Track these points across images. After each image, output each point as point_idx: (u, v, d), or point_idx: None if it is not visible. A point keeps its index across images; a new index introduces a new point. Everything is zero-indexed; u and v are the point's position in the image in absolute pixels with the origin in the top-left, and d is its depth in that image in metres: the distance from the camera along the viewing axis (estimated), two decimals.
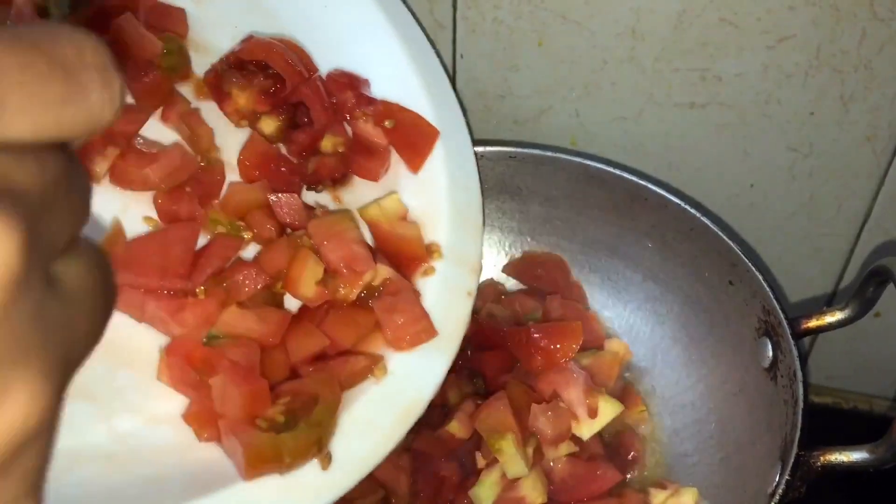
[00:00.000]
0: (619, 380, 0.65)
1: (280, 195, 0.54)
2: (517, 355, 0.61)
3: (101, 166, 0.51)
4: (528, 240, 0.71)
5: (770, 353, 0.59)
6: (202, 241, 0.52)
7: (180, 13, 0.55)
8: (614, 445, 0.62)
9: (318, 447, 0.47)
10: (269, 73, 0.55)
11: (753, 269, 0.59)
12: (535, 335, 0.60)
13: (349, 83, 0.57)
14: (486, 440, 0.57)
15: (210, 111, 0.56)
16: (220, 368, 0.48)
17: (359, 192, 0.58)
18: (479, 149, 0.66)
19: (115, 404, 0.48)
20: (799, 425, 0.53)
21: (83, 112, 0.20)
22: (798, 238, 0.70)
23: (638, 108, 0.65)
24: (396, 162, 0.59)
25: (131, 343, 0.49)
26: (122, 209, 0.51)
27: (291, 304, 0.54)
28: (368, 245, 0.55)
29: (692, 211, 0.63)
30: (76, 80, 0.20)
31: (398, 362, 0.52)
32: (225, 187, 0.55)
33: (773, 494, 0.52)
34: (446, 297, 0.55)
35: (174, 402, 0.49)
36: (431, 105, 0.58)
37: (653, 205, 0.65)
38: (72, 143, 0.21)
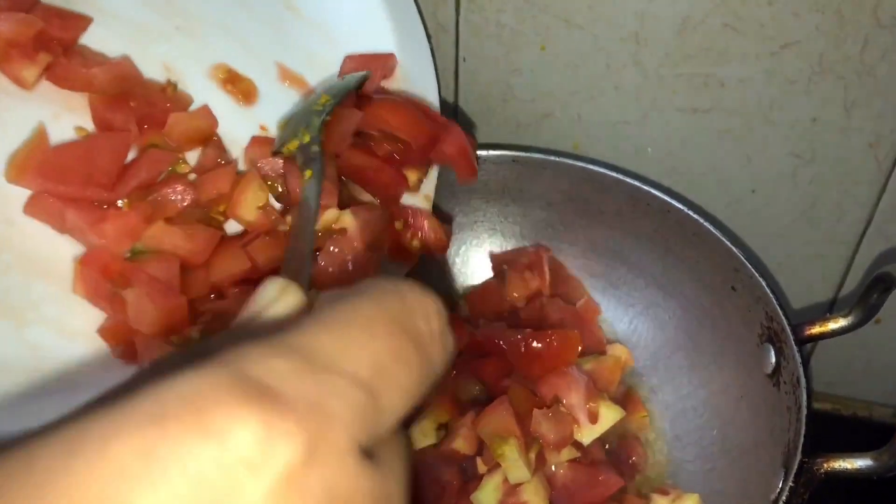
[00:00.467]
0: (621, 385, 0.65)
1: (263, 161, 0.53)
2: (516, 364, 0.61)
3: (30, 72, 0.48)
4: (530, 244, 0.71)
5: (773, 360, 0.58)
6: None
7: None
8: (616, 451, 0.62)
9: None
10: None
11: (756, 274, 0.59)
12: (535, 345, 0.59)
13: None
14: (488, 445, 0.56)
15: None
16: (136, 282, 0.46)
17: None
18: (482, 152, 0.66)
19: (28, 315, 0.46)
20: (802, 432, 0.53)
21: (429, 383, 0.22)
22: (800, 244, 0.70)
23: (641, 112, 0.65)
24: None
25: (49, 254, 0.47)
26: (53, 116, 0.49)
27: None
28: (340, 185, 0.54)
29: (695, 216, 0.63)
30: (428, 356, 0.22)
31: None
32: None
33: (776, 501, 0.52)
34: None
35: (91, 317, 0.47)
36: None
37: (655, 210, 0.64)
38: None
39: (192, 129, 0.53)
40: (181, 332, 0.46)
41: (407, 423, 0.58)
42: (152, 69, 0.53)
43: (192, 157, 0.54)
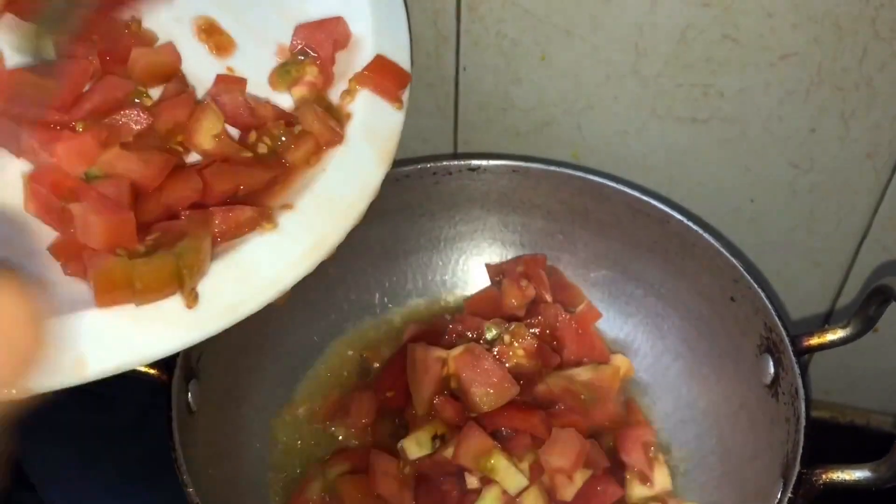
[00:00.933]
0: (621, 395, 0.65)
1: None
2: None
3: None
4: (530, 253, 0.71)
5: (771, 370, 0.59)
6: None
7: None
8: (615, 460, 0.62)
9: (179, 281, 0.45)
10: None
11: (755, 285, 0.59)
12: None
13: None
14: (476, 469, 0.57)
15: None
16: (85, 198, 0.47)
17: None
18: (482, 162, 0.66)
19: None
20: (801, 443, 0.53)
21: None
22: (797, 253, 0.70)
23: (640, 122, 0.65)
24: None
25: (2, 175, 0.48)
26: (15, 48, 0.50)
27: None
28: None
29: (694, 227, 0.63)
30: None
31: (290, 219, 0.51)
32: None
33: None
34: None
35: (43, 236, 0.48)
36: None
37: (655, 220, 0.65)
38: None
39: (154, 65, 0.53)
40: (128, 247, 0.46)
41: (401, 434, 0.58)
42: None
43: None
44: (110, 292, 0.44)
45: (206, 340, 0.47)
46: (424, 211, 0.70)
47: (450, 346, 0.62)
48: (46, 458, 0.69)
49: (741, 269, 0.61)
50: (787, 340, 0.57)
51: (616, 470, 0.61)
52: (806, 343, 0.58)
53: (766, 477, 0.56)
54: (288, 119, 0.54)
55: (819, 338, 0.58)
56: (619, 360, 0.65)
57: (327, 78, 0.56)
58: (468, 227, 0.71)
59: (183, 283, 0.46)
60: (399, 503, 0.57)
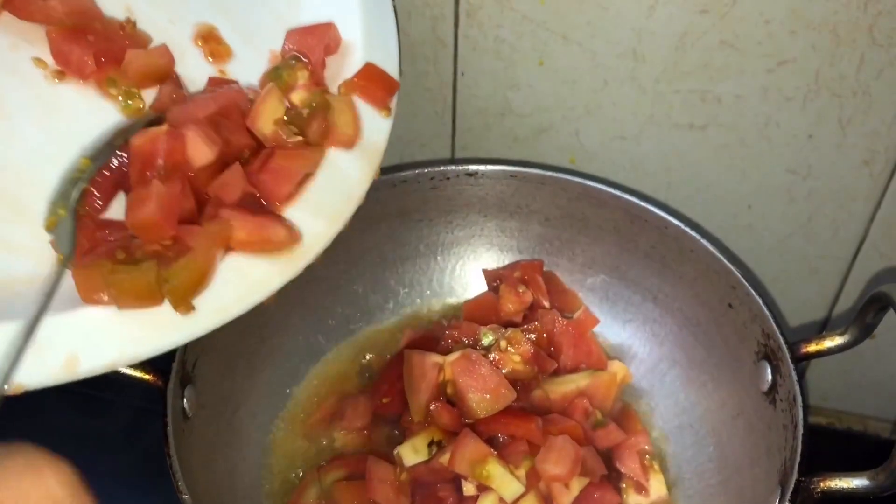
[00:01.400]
0: (618, 401, 0.65)
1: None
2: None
3: None
4: (527, 259, 0.71)
5: (769, 377, 0.59)
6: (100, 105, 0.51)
7: None
8: (612, 467, 0.62)
9: (157, 296, 0.45)
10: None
11: (753, 292, 0.59)
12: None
13: None
14: (471, 476, 0.56)
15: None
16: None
17: None
18: (480, 167, 0.66)
19: None
20: (799, 450, 0.53)
21: None
22: (795, 259, 0.70)
23: (638, 128, 0.65)
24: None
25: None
26: (10, 47, 0.50)
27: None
28: None
29: (692, 233, 0.63)
30: None
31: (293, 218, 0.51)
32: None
33: None
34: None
35: (34, 229, 0.48)
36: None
37: (652, 226, 0.65)
38: None
39: (149, 66, 0.53)
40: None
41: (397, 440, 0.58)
42: (114, 9, 0.54)
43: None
44: (88, 293, 0.45)
45: (201, 346, 0.47)
46: (422, 216, 0.70)
47: (446, 352, 0.62)
48: None
49: (739, 275, 0.61)
50: (784, 347, 0.57)
51: (613, 477, 0.61)
52: (804, 350, 0.57)
53: (764, 485, 0.56)
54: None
55: (817, 345, 0.57)
56: (616, 367, 0.65)
57: (318, 82, 0.56)
58: (466, 232, 0.71)
59: (161, 299, 0.45)
60: None
